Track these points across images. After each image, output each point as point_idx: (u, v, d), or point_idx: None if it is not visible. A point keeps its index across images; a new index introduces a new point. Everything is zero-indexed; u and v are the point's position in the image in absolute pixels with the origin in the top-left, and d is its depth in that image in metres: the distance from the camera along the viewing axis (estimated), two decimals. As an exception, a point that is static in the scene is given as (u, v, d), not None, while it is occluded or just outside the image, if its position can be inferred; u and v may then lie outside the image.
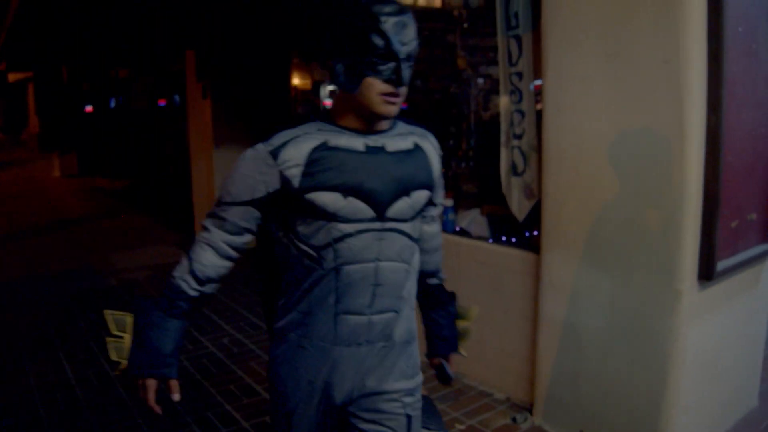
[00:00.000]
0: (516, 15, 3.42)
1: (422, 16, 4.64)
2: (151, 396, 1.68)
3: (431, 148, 1.77)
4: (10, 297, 5.88)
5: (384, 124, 1.65)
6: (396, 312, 1.72)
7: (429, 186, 1.73)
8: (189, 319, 1.73)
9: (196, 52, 7.12)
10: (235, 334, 4.80)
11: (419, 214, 1.73)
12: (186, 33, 7.36)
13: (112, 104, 16.57)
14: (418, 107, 4.90)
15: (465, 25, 4.42)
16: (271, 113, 7.19)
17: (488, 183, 3.92)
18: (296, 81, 7.64)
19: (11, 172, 16.97)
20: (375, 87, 1.53)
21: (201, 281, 1.70)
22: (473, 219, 3.99)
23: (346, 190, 1.57)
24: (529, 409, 3.46)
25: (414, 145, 1.71)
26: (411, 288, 1.78)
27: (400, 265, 1.69)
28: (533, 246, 3.43)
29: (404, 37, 1.52)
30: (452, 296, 2.08)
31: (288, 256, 1.68)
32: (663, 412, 2.79)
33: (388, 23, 1.50)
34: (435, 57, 4.79)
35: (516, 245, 3.68)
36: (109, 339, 1.71)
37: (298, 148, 1.58)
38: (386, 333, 1.72)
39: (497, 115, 3.75)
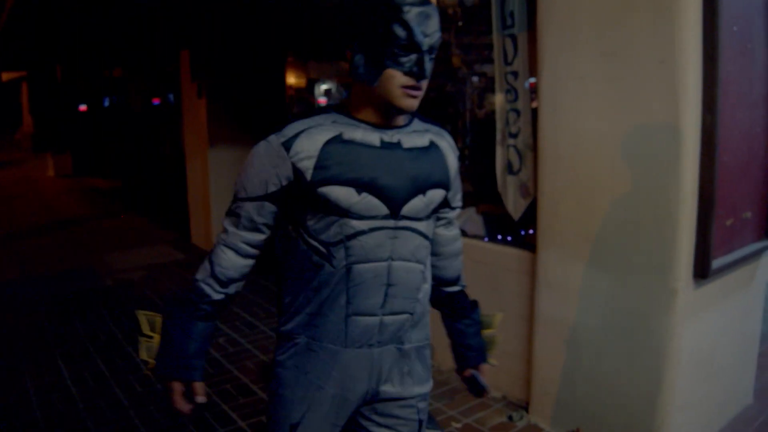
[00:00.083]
0: (511, 14, 3.42)
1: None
2: (177, 398, 1.66)
3: (447, 146, 1.72)
4: (4, 297, 5.86)
5: (401, 120, 1.60)
6: (410, 314, 1.67)
7: (445, 185, 1.68)
8: (216, 320, 1.71)
9: (190, 52, 7.11)
10: (230, 333, 4.80)
11: (434, 213, 1.68)
12: (181, 32, 7.34)
13: (107, 103, 16.53)
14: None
15: (460, 24, 4.42)
16: (266, 112, 7.19)
17: (484, 182, 3.92)
18: (291, 80, 7.64)
19: (5, 172, 16.90)
20: (396, 79, 1.47)
21: (224, 283, 1.67)
22: (469, 217, 3.99)
23: (360, 186, 1.52)
24: (525, 407, 3.47)
25: (430, 142, 1.66)
26: (427, 290, 1.73)
27: (415, 265, 1.64)
28: (529, 245, 3.44)
29: (427, 28, 1.47)
30: (475, 304, 1.98)
31: (296, 252, 1.62)
32: (659, 409, 2.80)
33: (411, 13, 1.44)
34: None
35: (512, 244, 3.68)
36: (141, 338, 1.70)
37: (311, 139, 1.52)
38: (399, 335, 1.67)
39: (492, 113, 3.76)
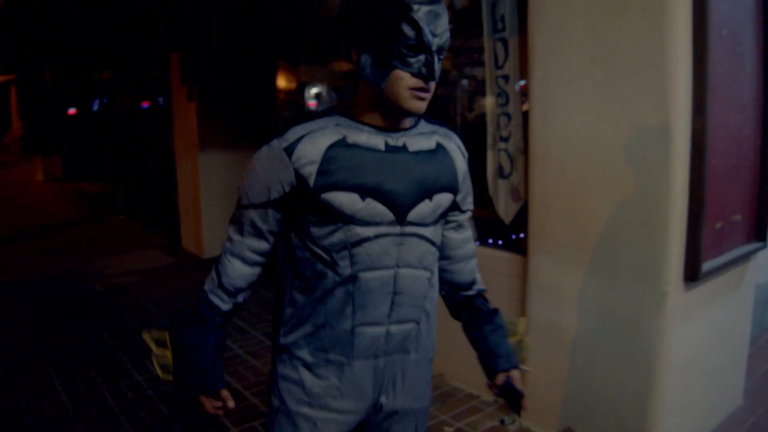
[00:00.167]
0: (502, 18, 3.43)
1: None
2: (209, 409, 1.64)
3: (455, 148, 1.67)
4: (-6, 303, 5.83)
5: (407, 122, 1.55)
6: (416, 323, 1.63)
7: (452, 189, 1.62)
8: (227, 327, 1.68)
9: (181, 55, 7.08)
10: (222, 338, 4.77)
11: (441, 218, 1.63)
12: (171, 35, 7.31)
13: (96, 106, 16.45)
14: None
15: (450, 26, 4.42)
16: (257, 116, 7.18)
17: (474, 185, 3.92)
18: (282, 83, 7.63)
19: (-6, 175, 16.85)
20: (404, 81, 1.42)
21: (232, 293, 1.64)
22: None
23: (365, 191, 1.46)
24: (517, 410, 3.46)
25: (437, 144, 1.60)
26: (433, 298, 1.69)
27: (421, 272, 1.59)
28: (520, 248, 3.44)
29: (437, 27, 1.42)
30: (495, 310, 1.86)
31: (299, 260, 1.57)
32: (650, 411, 2.80)
33: (420, 12, 1.39)
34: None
35: (503, 248, 3.69)
36: (153, 356, 1.68)
37: (314, 143, 1.46)
38: (404, 345, 1.63)
39: (483, 116, 3.76)
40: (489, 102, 3.61)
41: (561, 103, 3.00)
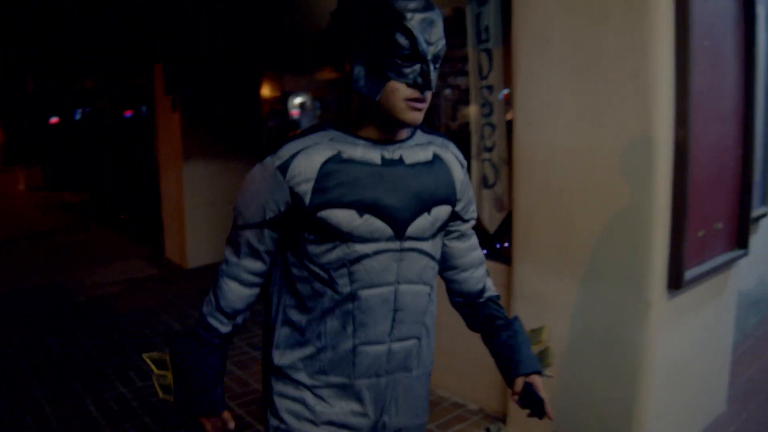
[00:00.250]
0: (486, 29, 3.45)
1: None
2: (210, 430, 1.62)
3: (453, 158, 1.62)
4: (-25, 314, 5.76)
5: (403, 133, 1.50)
6: (418, 339, 1.60)
7: (450, 201, 1.58)
8: (227, 348, 1.66)
9: (165, 65, 7.07)
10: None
11: (440, 231, 1.59)
12: (155, 45, 7.30)
13: (78, 115, 16.34)
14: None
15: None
16: (241, 126, 7.18)
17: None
18: (266, 92, 7.63)
19: (-26, 185, 16.67)
20: (400, 92, 1.37)
21: (230, 315, 1.60)
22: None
23: (362, 207, 1.42)
24: (503, 419, 3.47)
25: (434, 155, 1.56)
26: (433, 313, 1.66)
27: (422, 287, 1.56)
28: (504, 257, 3.45)
29: (431, 36, 1.37)
30: (514, 317, 1.80)
31: (296, 279, 1.52)
32: (634, 419, 2.82)
33: (414, 20, 1.34)
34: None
35: (487, 257, 3.65)
36: (154, 377, 1.66)
37: (308, 160, 1.42)
38: (406, 364, 1.60)
39: (466, 125, 3.78)
40: (473, 112, 3.63)
41: (545, 113, 3.02)
